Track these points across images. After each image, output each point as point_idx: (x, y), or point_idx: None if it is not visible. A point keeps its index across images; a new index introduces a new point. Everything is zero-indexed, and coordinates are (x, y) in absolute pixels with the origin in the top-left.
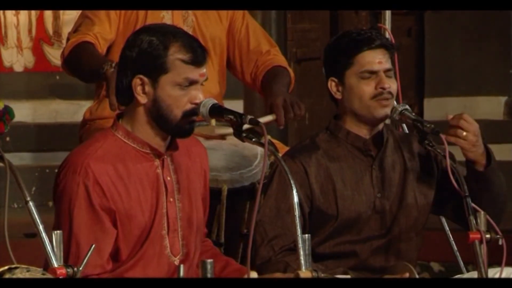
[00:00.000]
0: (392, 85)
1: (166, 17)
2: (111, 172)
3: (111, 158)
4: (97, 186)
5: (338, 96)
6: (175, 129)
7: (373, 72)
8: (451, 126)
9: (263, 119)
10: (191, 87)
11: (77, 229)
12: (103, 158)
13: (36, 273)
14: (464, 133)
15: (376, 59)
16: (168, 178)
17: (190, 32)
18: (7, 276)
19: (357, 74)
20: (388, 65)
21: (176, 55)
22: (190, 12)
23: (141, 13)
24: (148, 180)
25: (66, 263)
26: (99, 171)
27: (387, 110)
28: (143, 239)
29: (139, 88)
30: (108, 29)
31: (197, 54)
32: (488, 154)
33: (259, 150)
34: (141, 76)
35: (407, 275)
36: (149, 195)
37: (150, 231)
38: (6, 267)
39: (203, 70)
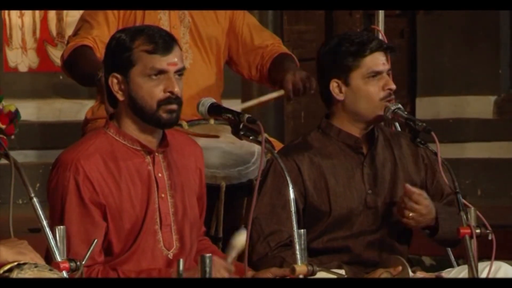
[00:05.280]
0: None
1: (163, 18)
2: (102, 169)
3: (102, 154)
4: (87, 181)
5: (340, 97)
6: (154, 119)
7: (378, 73)
8: (402, 207)
9: (270, 95)
10: (163, 77)
11: (68, 223)
12: (94, 154)
13: (44, 269)
14: (410, 214)
15: (381, 61)
16: (160, 175)
17: (187, 33)
18: (16, 272)
19: (364, 75)
20: (389, 65)
21: (140, 47)
22: (186, 13)
23: (139, 15)
24: (139, 176)
25: None
26: (89, 167)
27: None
28: (136, 233)
29: (116, 86)
30: (106, 32)
31: (160, 43)
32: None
33: (256, 147)
34: (115, 74)
35: (399, 268)
36: (139, 190)
37: (142, 225)
38: (15, 263)
39: (173, 59)
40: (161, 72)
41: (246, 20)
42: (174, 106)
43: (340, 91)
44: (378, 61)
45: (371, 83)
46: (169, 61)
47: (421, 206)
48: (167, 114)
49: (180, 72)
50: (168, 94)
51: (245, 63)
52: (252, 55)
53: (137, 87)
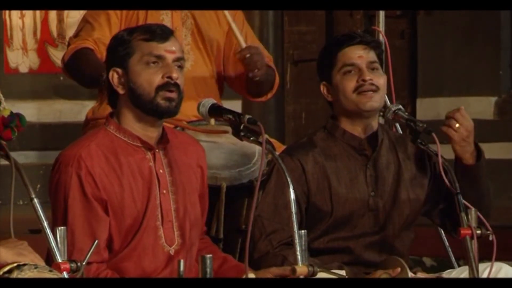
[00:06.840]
0: (375, 77)
1: (166, 19)
2: (103, 164)
3: (103, 151)
4: (89, 176)
5: (330, 98)
6: (152, 107)
7: (354, 66)
8: (447, 117)
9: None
10: (161, 64)
11: (71, 219)
12: (95, 150)
13: (44, 270)
14: (457, 125)
15: (356, 54)
16: (161, 171)
17: (189, 35)
18: (15, 273)
19: (340, 71)
20: (370, 58)
21: (138, 37)
22: (189, 14)
23: (141, 16)
24: (140, 172)
25: None
26: (91, 162)
27: (373, 103)
28: (136, 229)
29: (116, 81)
30: (108, 34)
31: (158, 31)
32: (479, 154)
33: (257, 148)
34: (115, 67)
35: (398, 269)
36: (140, 186)
37: (142, 221)
38: (14, 264)
39: (171, 47)
40: (159, 58)
41: (244, 29)
42: (173, 94)
43: (328, 92)
44: (351, 54)
45: (347, 77)
46: (167, 48)
47: (468, 121)
48: (165, 101)
49: (179, 62)
50: (166, 79)
51: (232, 72)
52: (239, 66)
53: (136, 76)
